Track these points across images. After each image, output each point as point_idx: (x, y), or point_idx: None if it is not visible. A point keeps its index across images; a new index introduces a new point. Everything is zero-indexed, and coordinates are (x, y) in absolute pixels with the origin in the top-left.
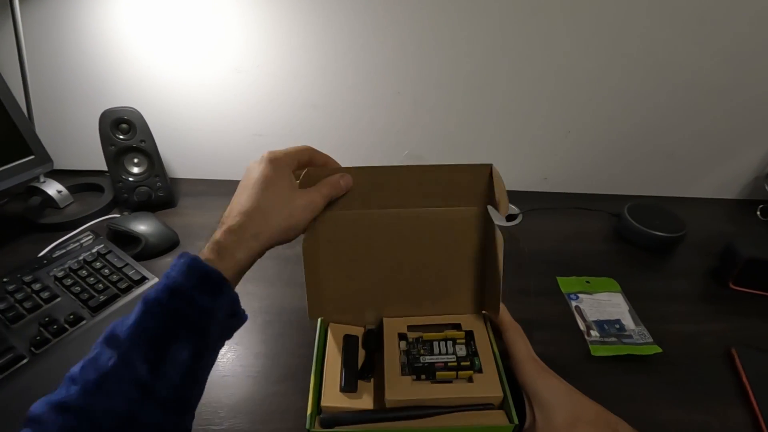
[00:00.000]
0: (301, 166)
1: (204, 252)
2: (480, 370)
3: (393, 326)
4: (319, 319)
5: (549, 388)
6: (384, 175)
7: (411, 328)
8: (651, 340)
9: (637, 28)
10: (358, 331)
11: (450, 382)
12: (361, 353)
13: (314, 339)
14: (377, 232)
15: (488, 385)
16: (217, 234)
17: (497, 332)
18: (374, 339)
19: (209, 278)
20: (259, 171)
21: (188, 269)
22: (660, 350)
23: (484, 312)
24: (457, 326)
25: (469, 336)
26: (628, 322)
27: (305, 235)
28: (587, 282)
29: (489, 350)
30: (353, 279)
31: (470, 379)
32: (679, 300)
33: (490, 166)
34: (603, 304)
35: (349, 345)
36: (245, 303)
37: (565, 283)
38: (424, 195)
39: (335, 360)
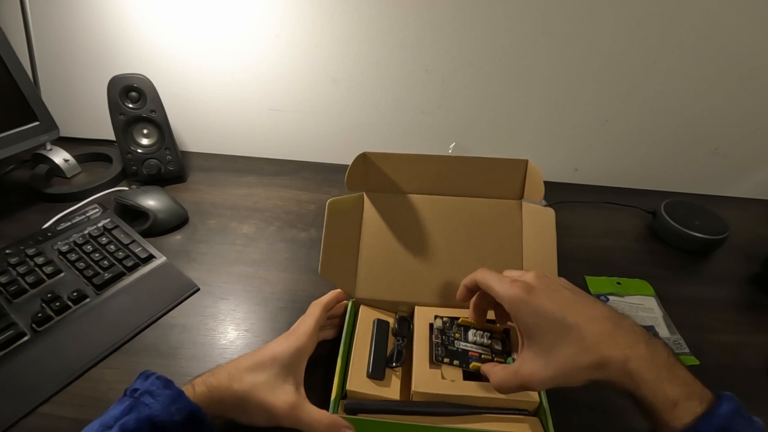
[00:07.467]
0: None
1: None
2: None
3: (425, 315)
4: (350, 301)
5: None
6: (430, 163)
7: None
8: (687, 350)
9: (693, 11)
10: (390, 317)
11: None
12: (391, 340)
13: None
14: (419, 217)
15: None
16: None
17: None
18: (406, 327)
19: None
20: None
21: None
22: (697, 362)
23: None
24: (491, 322)
25: (505, 334)
26: (663, 330)
27: (334, 201)
28: (618, 283)
29: None
30: (390, 261)
31: None
32: (718, 308)
33: (526, 162)
34: (635, 309)
35: (379, 330)
36: (257, 288)
37: (595, 284)
38: (467, 185)
39: (364, 344)
